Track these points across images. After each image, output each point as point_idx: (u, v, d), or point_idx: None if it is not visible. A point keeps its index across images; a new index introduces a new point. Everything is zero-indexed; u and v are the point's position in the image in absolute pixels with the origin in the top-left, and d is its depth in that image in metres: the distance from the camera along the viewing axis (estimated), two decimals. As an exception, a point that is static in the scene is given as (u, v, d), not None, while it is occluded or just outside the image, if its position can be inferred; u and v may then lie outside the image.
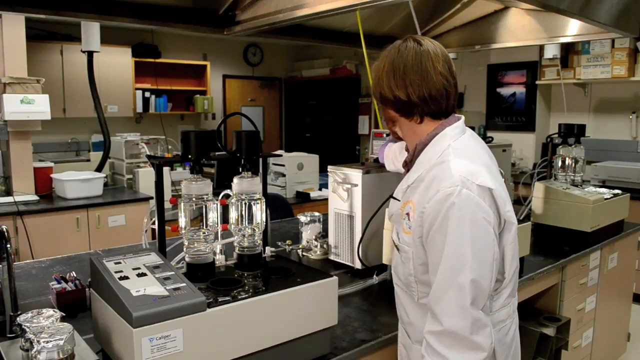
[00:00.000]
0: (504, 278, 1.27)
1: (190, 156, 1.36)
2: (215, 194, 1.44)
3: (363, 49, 2.40)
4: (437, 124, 1.27)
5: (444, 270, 1.14)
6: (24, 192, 3.69)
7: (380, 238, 1.95)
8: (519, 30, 3.04)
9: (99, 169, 4.25)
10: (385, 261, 1.93)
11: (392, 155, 1.78)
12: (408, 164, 1.34)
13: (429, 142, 1.27)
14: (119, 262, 1.28)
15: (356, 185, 1.98)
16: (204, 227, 1.38)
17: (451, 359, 1.12)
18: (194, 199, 1.36)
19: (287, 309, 1.30)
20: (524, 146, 5.48)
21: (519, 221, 2.16)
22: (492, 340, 1.15)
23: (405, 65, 1.22)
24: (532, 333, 2.29)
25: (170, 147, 4.74)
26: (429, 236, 1.18)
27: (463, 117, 1.31)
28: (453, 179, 1.15)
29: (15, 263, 1.80)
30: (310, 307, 1.35)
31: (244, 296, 1.24)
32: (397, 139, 1.46)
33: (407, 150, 1.38)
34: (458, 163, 1.19)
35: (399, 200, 1.33)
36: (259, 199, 1.46)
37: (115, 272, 1.22)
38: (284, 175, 4.31)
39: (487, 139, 2.82)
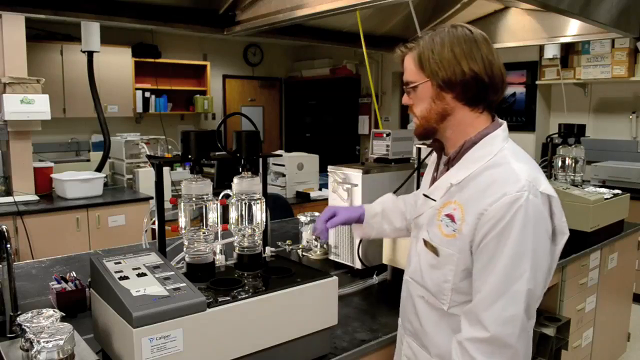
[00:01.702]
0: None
1: (190, 156, 1.36)
2: (215, 194, 1.44)
3: (363, 49, 2.40)
4: (489, 121, 1.22)
5: (499, 276, 1.08)
6: (24, 192, 3.69)
7: (380, 238, 1.95)
8: (519, 30, 3.04)
9: (99, 169, 4.25)
10: (385, 261, 1.93)
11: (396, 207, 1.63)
12: (450, 162, 1.25)
13: (478, 140, 1.20)
14: (119, 262, 1.28)
15: (356, 185, 1.98)
16: (204, 227, 1.38)
17: None
18: (194, 199, 1.36)
19: (287, 309, 1.30)
20: (524, 146, 5.34)
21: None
22: (530, 350, 1.14)
23: (477, 40, 1.16)
24: (532, 333, 2.29)
25: (170, 147, 4.74)
26: (485, 240, 1.11)
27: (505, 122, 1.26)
28: (520, 184, 1.09)
29: (15, 263, 1.80)
30: (310, 307, 1.35)
31: (244, 296, 1.24)
32: (424, 136, 1.30)
33: (436, 149, 1.33)
34: (521, 167, 1.14)
35: (435, 200, 1.25)
36: (259, 199, 1.46)
37: (115, 272, 1.22)
38: (284, 175, 4.31)
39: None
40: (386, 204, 1.63)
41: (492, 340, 1.08)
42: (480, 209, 1.11)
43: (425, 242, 1.26)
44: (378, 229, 1.62)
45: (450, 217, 1.18)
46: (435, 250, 1.22)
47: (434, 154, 1.38)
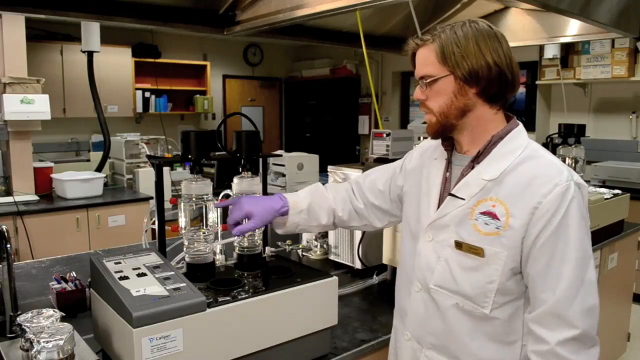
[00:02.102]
0: None
1: (190, 156, 1.36)
2: (215, 194, 1.44)
3: (363, 49, 2.40)
4: (505, 119, 1.22)
5: (573, 269, 1.07)
6: (24, 192, 3.69)
7: (380, 238, 1.95)
8: (519, 30, 3.04)
9: (99, 169, 4.25)
10: (385, 261, 1.93)
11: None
12: (477, 158, 1.19)
13: (505, 135, 1.18)
14: (119, 262, 1.28)
15: (356, 185, 1.97)
16: (204, 227, 1.38)
17: None
18: (194, 199, 1.36)
19: (287, 309, 1.30)
20: (524, 146, 5.47)
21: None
22: None
23: (498, 36, 1.15)
24: (532, 333, 2.29)
25: (170, 147, 4.74)
26: (544, 234, 1.08)
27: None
28: (565, 174, 1.10)
29: (15, 263, 1.80)
30: (310, 307, 1.35)
31: (244, 296, 1.24)
32: (440, 133, 1.23)
33: (446, 147, 1.27)
34: (554, 159, 1.16)
35: (464, 199, 1.18)
36: (259, 199, 1.46)
37: (115, 272, 1.22)
38: (284, 175, 4.30)
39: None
40: (314, 196, 1.46)
41: (583, 336, 1.06)
42: (534, 202, 1.08)
43: (460, 244, 1.18)
44: (303, 226, 1.45)
45: (490, 214, 1.13)
46: (477, 251, 1.15)
47: (428, 152, 1.33)
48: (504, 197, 1.12)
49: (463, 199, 1.18)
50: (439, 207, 1.23)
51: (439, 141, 1.29)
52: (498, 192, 1.13)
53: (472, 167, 1.19)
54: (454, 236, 1.18)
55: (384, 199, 1.43)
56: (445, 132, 1.22)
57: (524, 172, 1.12)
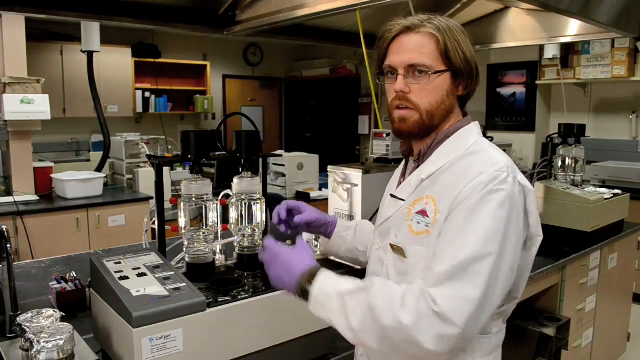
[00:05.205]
0: (517, 297, 1.11)
1: (190, 156, 1.36)
2: (215, 194, 1.44)
3: (363, 49, 2.40)
4: (461, 115, 1.13)
5: (462, 252, 0.95)
6: (24, 192, 3.69)
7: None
8: (519, 30, 3.04)
9: (99, 169, 4.25)
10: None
11: None
12: (421, 158, 1.13)
13: (452, 133, 1.10)
14: (119, 262, 1.28)
15: (356, 185, 1.98)
16: (204, 227, 1.38)
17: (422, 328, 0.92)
18: (194, 199, 1.36)
19: (287, 309, 1.30)
20: (524, 146, 5.48)
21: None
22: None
23: (464, 32, 1.08)
24: (532, 333, 2.29)
25: (170, 147, 4.74)
26: (455, 213, 0.99)
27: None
28: (499, 165, 1.00)
29: (15, 263, 1.79)
30: (310, 307, 1.35)
31: (244, 296, 1.24)
32: (415, 135, 1.12)
33: (404, 152, 1.21)
34: (499, 154, 1.05)
35: (404, 200, 1.12)
36: (259, 199, 1.46)
37: (115, 272, 1.22)
38: (284, 175, 4.31)
39: (487, 139, 2.82)
40: (360, 223, 1.42)
41: (443, 315, 0.92)
42: (456, 193, 1.00)
43: (392, 247, 1.11)
44: (349, 245, 1.38)
45: (423, 212, 1.06)
46: (400, 252, 1.09)
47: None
48: (435, 193, 1.05)
49: (403, 200, 1.12)
50: None
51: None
52: (432, 190, 1.06)
53: (418, 167, 1.13)
54: (392, 239, 1.13)
55: None
56: (423, 135, 1.11)
57: (460, 167, 1.04)
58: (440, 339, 0.92)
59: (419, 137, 1.13)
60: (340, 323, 1.00)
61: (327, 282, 1.03)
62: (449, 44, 1.04)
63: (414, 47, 1.06)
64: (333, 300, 1.00)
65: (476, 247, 0.95)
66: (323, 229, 1.40)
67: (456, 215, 0.99)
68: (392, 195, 1.17)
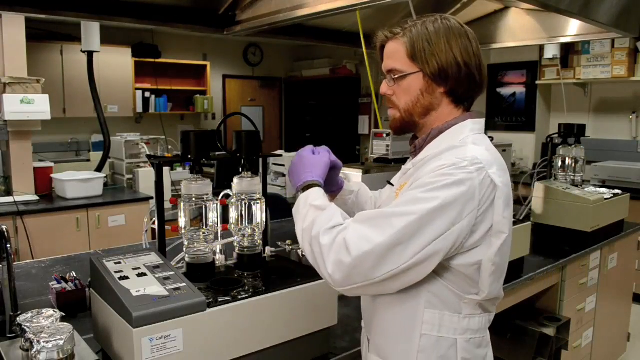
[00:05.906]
0: (484, 292, 1.11)
1: (190, 156, 1.36)
2: (215, 194, 1.44)
3: (363, 49, 2.40)
4: (459, 112, 1.17)
5: (390, 207, 1.04)
6: (24, 192, 3.69)
7: None
8: (519, 30, 3.05)
9: (99, 169, 4.25)
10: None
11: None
12: (416, 150, 1.21)
13: (445, 129, 1.16)
14: (119, 262, 1.28)
15: (356, 185, 1.97)
16: (204, 227, 1.38)
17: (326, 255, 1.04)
18: (194, 199, 1.36)
19: (287, 309, 1.30)
20: (524, 146, 5.49)
21: (519, 221, 2.17)
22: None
23: (468, 35, 1.13)
24: (532, 333, 2.29)
25: (170, 147, 4.74)
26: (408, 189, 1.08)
27: (484, 119, 1.20)
28: (466, 156, 1.06)
29: (15, 263, 1.80)
30: (310, 307, 1.35)
31: (244, 296, 1.24)
32: (400, 131, 1.23)
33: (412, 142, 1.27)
34: (477, 149, 1.10)
35: (393, 185, 1.25)
36: (259, 199, 1.46)
37: (115, 272, 1.22)
38: (284, 175, 4.31)
39: (485, 137, 2.83)
40: (361, 187, 1.50)
41: (343, 243, 1.03)
42: (421, 176, 1.08)
43: None
44: (349, 208, 1.44)
45: None
46: None
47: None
48: (413, 179, 1.12)
49: (392, 185, 1.26)
50: None
51: None
52: (413, 175, 1.15)
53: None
54: None
55: None
56: (407, 131, 1.22)
57: (439, 158, 1.10)
58: (338, 264, 1.03)
59: (404, 132, 1.24)
60: (297, 224, 1.15)
61: (310, 195, 1.17)
62: (417, 46, 1.12)
63: (389, 53, 1.17)
64: (304, 207, 1.15)
65: (403, 207, 1.03)
66: (334, 184, 1.44)
67: (410, 187, 1.09)
68: (388, 182, 1.32)
